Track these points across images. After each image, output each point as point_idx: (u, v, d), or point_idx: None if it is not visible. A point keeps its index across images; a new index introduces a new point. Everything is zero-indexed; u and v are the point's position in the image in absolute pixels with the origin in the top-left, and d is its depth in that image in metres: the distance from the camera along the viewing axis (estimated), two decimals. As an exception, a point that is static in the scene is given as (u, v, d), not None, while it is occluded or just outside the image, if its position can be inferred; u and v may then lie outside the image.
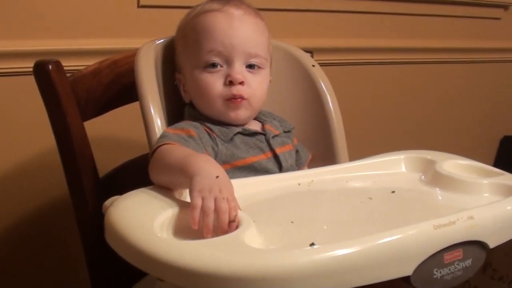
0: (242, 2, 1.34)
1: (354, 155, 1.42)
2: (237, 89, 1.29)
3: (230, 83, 1.29)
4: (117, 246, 0.95)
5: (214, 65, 1.29)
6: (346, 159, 1.44)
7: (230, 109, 1.30)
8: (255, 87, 1.32)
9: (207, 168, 1.03)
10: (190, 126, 1.27)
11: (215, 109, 1.30)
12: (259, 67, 1.33)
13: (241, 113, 1.31)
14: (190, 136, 1.24)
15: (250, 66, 1.32)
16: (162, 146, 1.17)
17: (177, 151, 1.14)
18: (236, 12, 1.30)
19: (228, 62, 1.29)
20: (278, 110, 1.47)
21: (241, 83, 1.29)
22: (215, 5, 1.31)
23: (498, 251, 1.11)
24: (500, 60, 3.03)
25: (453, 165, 1.32)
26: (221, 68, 1.29)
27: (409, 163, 1.35)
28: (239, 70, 1.29)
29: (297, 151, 1.44)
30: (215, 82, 1.29)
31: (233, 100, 1.29)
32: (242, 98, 1.30)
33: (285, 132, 1.41)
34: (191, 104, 1.36)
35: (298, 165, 1.42)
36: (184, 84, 1.34)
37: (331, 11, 2.33)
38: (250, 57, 1.31)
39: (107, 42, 1.80)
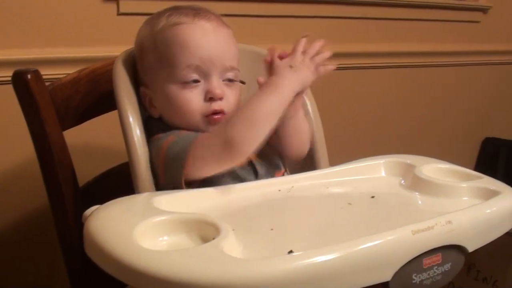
0: (209, 12, 1.32)
1: (335, 160, 1.42)
2: (218, 105, 1.28)
3: (210, 99, 1.27)
4: (95, 257, 0.95)
5: (193, 81, 1.27)
6: (326, 165, 1.44)
7: (209, 125, 1.28)
8: (232, 100, 1.31)
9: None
10: (171, 133, 1.27)
11: (193, 124, 1.28)
12: (234, 80, 1.32)
13: None
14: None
15: (226, 80, 1.30)
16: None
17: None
18: (207, 25, 1.29)
19: (206, 76, 1.27)
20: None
21: (221, 98, 1.28)
22: (184, 18, 1.28)
23: (482, 252, 1.12)
24: (480, 62, 3.04)
25: (433, 169, 1.32)
26: (199, 83, 1.27)
27: (389, 167, 1.36)
28: (218, 85, 1.28)
29: None
30: (194, 99, 1.27)
31: (213, 116, 1.28)
32: (222, 113, 1.28)
33: None
34: (159, 118, 1.33)
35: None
36: (152, 99, 1.31)
37: (311, 17, 2.34)
38: (227, 71, 1.30)
39: (87, 50, 1.80)
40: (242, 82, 1.37)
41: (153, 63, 1.29)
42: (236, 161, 1.16)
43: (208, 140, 1.17)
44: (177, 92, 1.27)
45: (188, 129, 1.28)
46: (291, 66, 1.22)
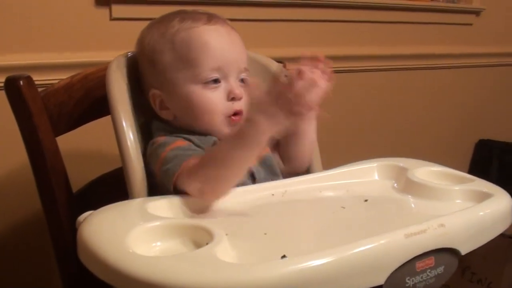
0: (219, 17, 1.35)
1: (328, 164, 1.42)
2: (239, 105, 1.30)
3: (232, 99, 1.29)
4: (89, 263, 0.95)
5: (216, 81, 1.28)
6: (320, 168, 1.44)
7: (229, 126, 1.29)
8: (246, 100, 1.31)
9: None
10: (177, 139, 1.27)
11: (213, 125, 1.29)
12: (247, 81, 1.34)
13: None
14: (189, 145, 1.26)
15: (241, 81, 1.32)
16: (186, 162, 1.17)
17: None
18: (222, 29, 1.31)
19: (225, 77, 1.29)
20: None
21: (241, 98, 1.30)
22: (199, 22, 1.30)
23: (477, 254, 1.12)
24: (473, 65, 3.05)
25: (425, 172, 1.33)
26: (220, 83, 1.29)
27: (382, 171, 1.36)
28: (237, 85, 1.30)
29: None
30: (217, 98, 1.28)
31: (234, 117, 1.29)
32: (241, 113, 1.30)
33: None
34: (166, 121, 1.34)
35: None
36: (165, 101, 1.31)
37: (303, 20, 2.34)
38: (241, 72, 1.32)
39: (80, 55, 1.80)
40: None
41: (170, 64, 1.29)
42: (214, 197, 1.15)
43: (189, 172, 1.16)
44: (200, 92, 1.28)
45: (206, 131, 1.29)
46: (274, 103, 1.05)
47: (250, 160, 1.13)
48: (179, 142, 1.25)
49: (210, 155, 1.16)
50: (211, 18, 1.32)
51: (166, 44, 1.30)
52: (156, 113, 1.34)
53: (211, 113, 1.29)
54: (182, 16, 1.32)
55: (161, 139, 1.27)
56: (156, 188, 1.22)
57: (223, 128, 1.30)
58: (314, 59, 1.12)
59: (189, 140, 1.27)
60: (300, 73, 1.05)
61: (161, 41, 1.31)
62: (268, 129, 1.06)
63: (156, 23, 1.35)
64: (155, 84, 1.32)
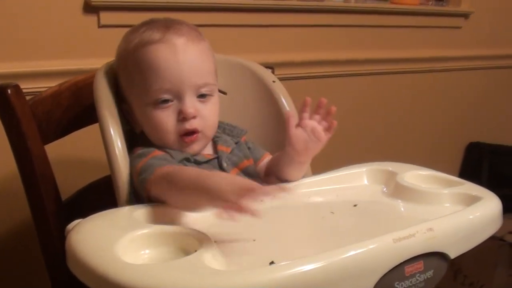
0: (182, 24, 1.31)
1: (317, 169, 1.42)
2: (190, 124, 1.27)
3: (183, 119, 1.27)
4: (78, 271, 0.95)
5: (165, 101, 1.26)
6: (309, 174, 1.44)
7: (184, 144, 1.29)
8: (208, 116, 1.30)
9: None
10: (153, 149, 1.27)
11: (169, 143, 1.29)
12: (209, 95, 1.31)
13: (195, 147, 1.31)
14: (164, 155, 1.25)
15: (200, 96, 1.29)
16: (159, 170, 1.16)
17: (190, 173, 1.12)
18: (178, 41, 1.26)
19: (179, 96, 1.26)
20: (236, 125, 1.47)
21: (194, 117, 1.28)
22: (155, 35, 1.27)
23: (468, 257, 1.12)
24: (462, 68, 3.05)
25: (414, 176, 1.33)
26: (172, 103, 1.27)
27: (371, 175, 1.36)
28: (190, 104, 1.27)
29: (249, 148, 1.42)
30: (167, 119, 1.27)
31: (187, 136, 1.28)
32: (196, 131, 1.29)
33: (236, 143, 1.39)
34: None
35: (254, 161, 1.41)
36: (133, 115, 1.32)
37: (292, 25, 2.34)
38: (200, 88, 1.28)
39: (68, 63, 1.79)
40: (223, 93, 1.37)
41: (125, 83, 1.30)
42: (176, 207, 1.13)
43: (159, 180, 1.15)
44: (151, 113, 1.27)
45: (165, 147, 1.28)
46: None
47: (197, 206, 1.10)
48: (155, 153, 1.25)
49: (176, 180, 1.12)
50: (167, 30, 1.27)
51: (122, 63, 1.31)
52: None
53: (163, 133, 1.28)
54: (145, 28, 1.29)
55: (138, 150, 1.27)
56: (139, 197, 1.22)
57: (179, 146, 1.29)
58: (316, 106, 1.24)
59: (165, 151, 1.27)
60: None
61: (121, 58, 1.32)
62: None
63: (127, 34, 1.34)
64: (123, 98, 1.33)
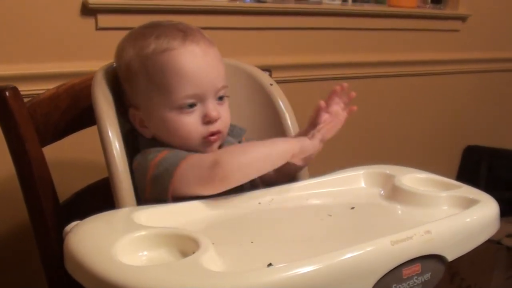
0: (196, 33, 1.31)
1: (315, 172, 1.42)
2: (214, 126, 1.29)
3: (208, 122, 1.28)
4: (76, 273, 0.95)
5: (191, 105, 1.27)
6: (306, 176, 1.44)
7: (208, 144, 1.30)
8: (226, 117, 1.32)
9: None
10: (164, 149, 1.27)
11: (192, 146, 1.29)
12: (225, 97, 1.33)
13: (215, 146, 1.32)
14: (178, 151, 1.26)
15: (219, 98, 1.31)
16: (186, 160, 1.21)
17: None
18: (198, 47, 1.28)
19: (202, 100, 1.28)
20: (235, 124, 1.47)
21: (217, 120, 1.30)
22: (174, 42, 1.27)
23: (465, 260, 1.13)
24: (459, 71, 3.06)
25: (412, 179, 1.33)
26: (196, 107, 1.28)
27: (369, 178, 1.36)
28: (213, 107, 1.29)
29: None
30: (192, 123, 1.28)
31: (210, 137, 1.29)
32: (219, 133, 1.30)
33: (239, 142, 1.42)
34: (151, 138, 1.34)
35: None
36: (144, 120, 1.31)
37: (290, 28, 2.35)
38: (219, 91, 1.30)
39: (65, 65, 1.79)
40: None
41: (145, 88, 1.29)
42: (219, 186, 1.17)
43: (198, 159, 1.20)
44: (175, 118, 1.27)
45: (185, 150, 1.28)
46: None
47: (272, 164, 1.26)
48: (168, 151, 1.25)
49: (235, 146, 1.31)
50: (186, 37, 1.28)
51: (140, 67, 1.28)
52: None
53: (187, 138, 1.28)
54: (158, 34, 1.29)
55: (148, 151, 1.27)
56: (142, 199, 1.22)
57: (201, 149, 1.30)
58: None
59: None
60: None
61: (135, 62, 1.29)
62: (300, 149, 1.27)
63: (131, 39, 1.32)
64: (133, 103, 1.32)
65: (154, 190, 1.21)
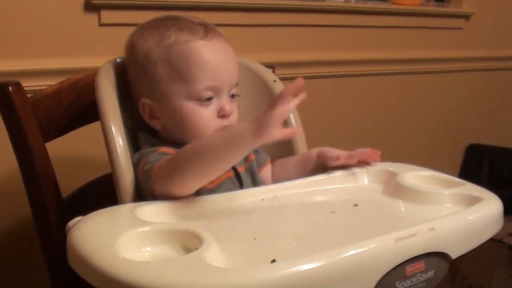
0: (215, 28, 1.33)
1: (318, 169, 1.42)
2: (228, 122, 1.30)
3: (223, 116, 1.30)
4: (78, 268, 0.95)
5: (208, 99, 1.28)
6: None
7: None
8: (236, 115, 1.33)
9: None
10: (154, 150, 1.26)
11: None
12: (236, 95, 1.35)
13: None
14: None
15: (231, 96, 1.33)
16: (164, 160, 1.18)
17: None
18: (218, 44, 1.30)
19: (218, 93, 1.29)
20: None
21: (230, 115, 1.31)
22: (197, 35, 1.28)
23: (467, 259, 1.12)
24: (463, 69, 3.05)
25: (415, 176, 1.33)
26: (213, 100, 1.29)
27: (372, 175, 1.36)
28: (228, 102, 1.30)
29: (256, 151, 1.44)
30: (209, 116, 1.28)
31: None
32: None
33: None
34: (148, 131, 1.34)
35: (257, 166, 1.42)
36: (156, 111, 1.31)
37: (293, 25, 2.35)
38: (232, 87, 1.32)
39: (68, 61, 1.79)
40: None
41: (164, 76, 1.28)
42: (180, 188, 1.14)
43: (163, 163, 1.18)
44: (193, 108, 1.28)
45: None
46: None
47: (233, 162, 1.15)
48: (165, 149, 1.25)
49: (194, 150, 1.14)
50: (208, 32, 1.30)
51: (161, 54, 1.28)
52: (143, 121, 1.34)
53: (201, 130, 1.28)
54: (179, 25, 1.30)
55: (147, 149, 1.27)
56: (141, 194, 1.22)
57: None
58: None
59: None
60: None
61: (156, 50, 1.29)
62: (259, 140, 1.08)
63: (150, 28, 1.32)
64: (145, 92, 1.31)
65: (144, 188, 1.21)
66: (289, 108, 1.09)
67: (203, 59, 1.27)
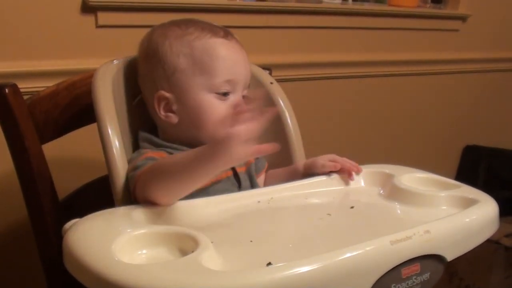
0: (233, 34, 1.37)
1: (314, 171, 1.42)
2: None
3: (238, 112, 1.29)
4: (74, 271, 0.95)
5: (226, 94, 1.30)
6: (305, 175, 1.44)
7: None
8: None
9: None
10: (159, 151, 1.28)
11: (213, 134, 1.29)
12: (246, 97, 1.36)
13: None
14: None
15: (242, 97, 1.34)
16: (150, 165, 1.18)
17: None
18: (237, 45, 1.35)
19: (235, 89, 1.32)
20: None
21: None
22: (218, 35, 1.32)
23: (464, 260, 1.13)
24: (459, 71, 3.06)
25: (411, 178, 1.33)
26: (229, 96, 1.31)
27: (368, 177, 1.36)
28: (242, 100, 1.33)
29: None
30: (225, 110, 1.29)
31: None
32: None
33: None
34: (149, 130, 1.35)
35: (255, 171, 1.43)
36: (172, 103, 1.31)
37: (290, 27, 2.35)
38: (246, 87, 1.35)
39: (65, 63, 1.79)
40: None
41: (186, 68, 1.30)
42: (155, 201, 1.14)
43: (148, 169, 1.17)
44: (212, 101, 1.30)
45: (204, 139, 1.25)
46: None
47: (202, 181, 1.12)
48: (154, 154, 1.26)
49: (172, 165, 1.14)
50: (227, 34, 1.34)
51: (184, 47, 1.30)
52: (141, 122, 1.34)
53: (216, 124, 1.26)
54: (200, 25, 1.34)
55: (144, 150, 1.28)
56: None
57: None
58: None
59: (170, 154, 1.28)
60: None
61: (178, 43, 1.31)
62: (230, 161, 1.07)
63: (172, 26, 1.34)
64: (163, 85, 1.31)
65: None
66: (251, 127, 1.02)
67: (224, 54, 1.30)
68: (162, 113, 1.32)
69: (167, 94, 1.31)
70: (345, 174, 1.36)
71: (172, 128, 1.33)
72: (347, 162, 1.38)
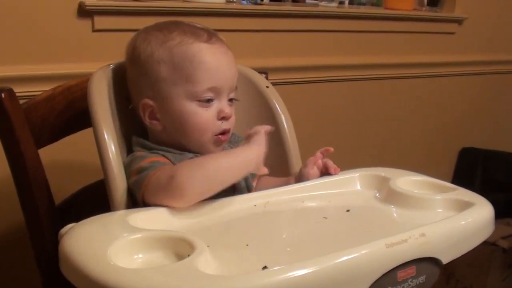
0: (217, 35, 1.35)
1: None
2: (227, 124, 1.32)
3: (222, 118, 1.31)
4: (70, 275, 0.95)
5: (209, 100, 1.29)
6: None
7: (216, 144, 1.32)
8: (233, 118, 1.35)
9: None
10: (154, 154, 1.27)
11: (201, 142, 1.31)
12: (234, 100, 1.36)
13: (223, 146, 1.35)
14: (164, 161, 1.26)
15: (229, 100, 1.33)
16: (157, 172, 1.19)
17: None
18: (221, 48, 1.32)
19: (219, 95, 1.30)
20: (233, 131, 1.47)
21: (230, 117, 1.32)
22: (201, 39, 1.30)
23: (461, 262, 1.13)
24: (455, 73, 3.06)
25: (407, 181, 1.33)
26: (213, 102, 1.30)
27: (364, 181, 1.36)
28: (227, 105, 1.32)
29: None
30: (209, 117, 1.29)
31: (221, 136, 1.32)
32: (228, 132, 1.33)
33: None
34: (141, 135, 1.35)
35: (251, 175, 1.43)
36: (156, 111, 1.31)
37: (286, 30, 2.35)
38: (232, 91, 1.33)
39: (61, 67, 1.79)
40: None
41: (168, 76, 1.29)
42: (180, 200, 1.15)
43: (163, 172, 1.18)
44: (194, 109, 1.29)
45: (191, 147, 1.31)
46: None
47: (234, 178, 1.22)
48: (156, 158, 1.26)
49: (199, 167, 1.18)
50: (211, 37, 1.32)
51: (165, 55, 1.29)
52: (136, 126, 1.34)
53: (201, 131, 1.30)
54: (183, 29, 1.31)
55: (138, 154, 1.28)
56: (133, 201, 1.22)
57: (210, 146, 1.32)
58: None
59: (165, 157, 1.28)
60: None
61: (160, 50, 1.29)
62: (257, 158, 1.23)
63: (154, 31, 1.33)
64: (147, 93, 1.31)
65: (135, 195, 1.21)
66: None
67: (205, 60, 1.28)
68: (147, 120, 1.32)
69: (151, 102, 1.31)
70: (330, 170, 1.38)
71: (159, 134, 1.33)
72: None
